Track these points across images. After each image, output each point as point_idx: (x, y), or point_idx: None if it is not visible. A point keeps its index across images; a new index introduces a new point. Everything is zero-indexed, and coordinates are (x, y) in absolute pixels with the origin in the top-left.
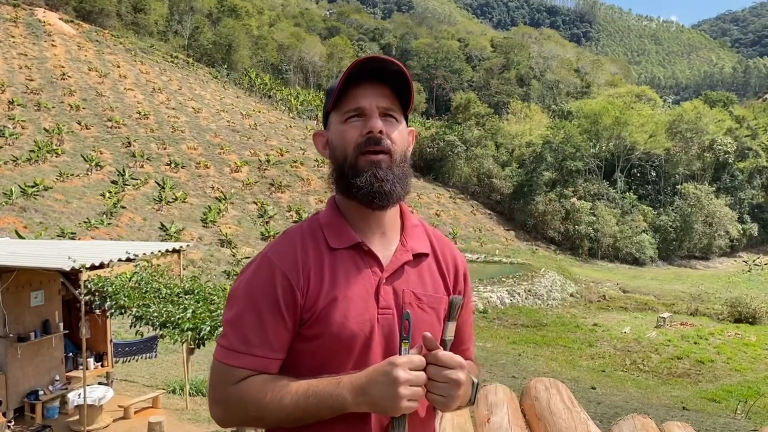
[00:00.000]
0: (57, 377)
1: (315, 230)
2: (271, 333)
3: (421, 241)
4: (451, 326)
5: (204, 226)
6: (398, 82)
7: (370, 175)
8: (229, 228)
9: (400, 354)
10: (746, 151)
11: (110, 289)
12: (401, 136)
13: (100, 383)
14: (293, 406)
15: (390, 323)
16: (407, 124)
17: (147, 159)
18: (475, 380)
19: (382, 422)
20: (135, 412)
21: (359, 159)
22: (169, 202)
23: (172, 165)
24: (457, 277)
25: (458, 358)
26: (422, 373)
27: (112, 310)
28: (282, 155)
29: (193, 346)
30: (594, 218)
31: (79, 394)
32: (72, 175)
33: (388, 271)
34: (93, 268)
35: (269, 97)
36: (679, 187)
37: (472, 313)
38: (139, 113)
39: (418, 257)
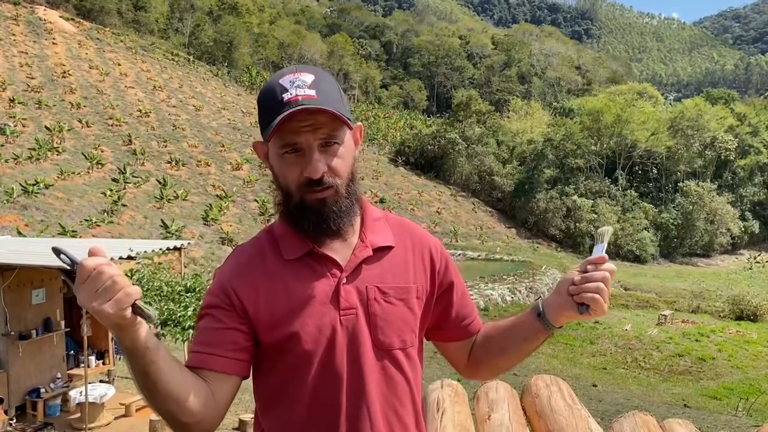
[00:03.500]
0: (58, 375)
1: (268, 243)
2: (220, 333)
3: (382, 234)
4: (599, 249)
5: (205, 224)
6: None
7: (316, 217)
8: (230, 226)
9: None
10: (747, 149)
11: None
12: (344, 161)
13: (101, 381)
14: None
15: (354, 323)
16: (352, 124)
17: (148, 157)
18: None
19: (351, 417)
20: (136, 410)
21: (305, 198)
22: (170, 200)
23: (173, 163)
24: (434, 260)
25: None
26: (98, 274)
27: None
28: None
29: None
30: (595, 216)
31: (81, 392)
32: (73, 173)
33: (347, 270)
34: None
35: None
36: (680, 184)
37: (467, 292)
38: (140, 111)
39: (380, 251)
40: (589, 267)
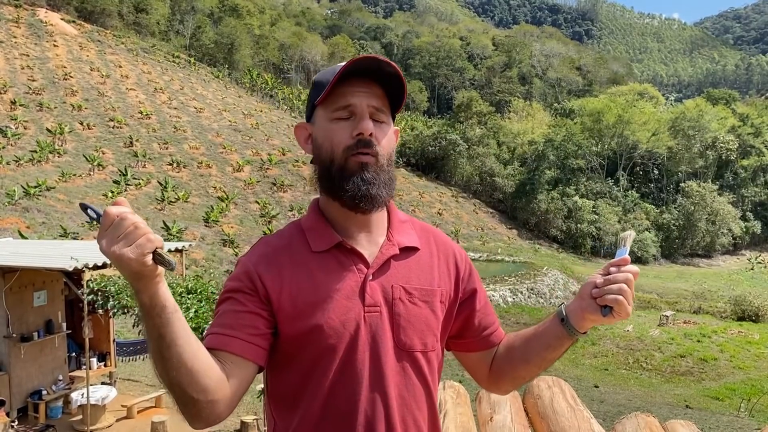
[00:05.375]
0: (60, 377)
1: (295, 235)
2: (241, 316)
3: (408, 235)
4: (622, 252)
5: (206, 226)
6: (391, 83)
7: (358, 178)
8: (232, 228)
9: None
10: (749, 149)
11: (113, 288)
12: (388, 140)
13: (103, 383)
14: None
15: (378, 321)
16: (393, 123)
17: (149, 159)
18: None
19: (368, 417)
20: (138, 412)
21: (348, 161)
22: (171, 201)
23: (174, 165)
24: (459, 267)
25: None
26: (121, 220)
27: (115, 310)
28: (284, 155)
29: None
30: (596, 216)
31: (82, 394)
32: (74, 175)
33: (374, 267)
34: (95, 267)
35: (271, 96)
36: (682, 185)
37: (489, 302)
38: (141, 113)
39: (406, 251)
40: (611, 269)
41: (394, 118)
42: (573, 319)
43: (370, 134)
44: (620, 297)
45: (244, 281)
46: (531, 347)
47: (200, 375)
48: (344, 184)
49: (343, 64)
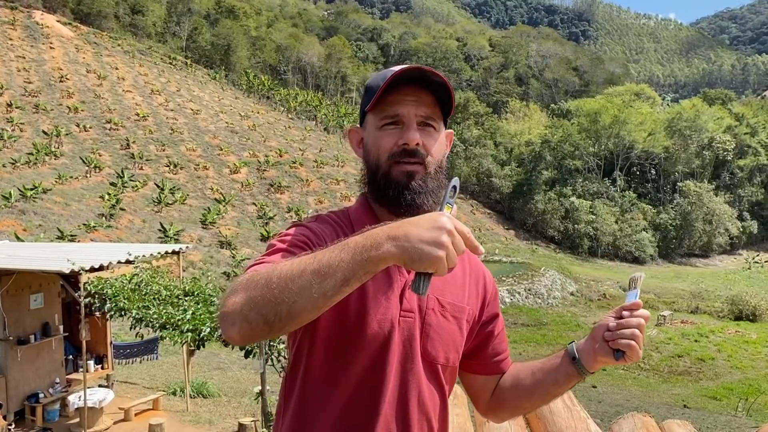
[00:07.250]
0: (57, 380)
1: (344, 222)
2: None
3: None
4: (633, 295)
5: (203, 228)
6: (440, 90)
7: (402, 186)
8: (229, 229)
9: None
10: (746, 149)
11: (110, 291)
12: (439, 146)
13: (100, 385)
14: (310, 260)
15: (410, 327)
16: (446, 127)
17: (146, 161)
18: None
19: (388, 416)
20: (135, 414)
21: (392, 168)
22: (168, 203)
23: (171, 166)
24: (487, 289)
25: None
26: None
27: (112, 312)
28: (281, 156)
29: (193, 348)
30: (593, 217)
31: (80, 397)
32: (71, 177)
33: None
34: (92, 270)
35: (268, 98)
36: (680, 184)
37: (504, 329)
38: (138, 115)
39: None
40: (624, 313)
41: (446, 123)
42: (584, 359)
43: (417, 144)
44: (633, 342)
45: (305, 233)
46: (538, 381)
47: (301, 322)
48: (388, 191)
49: (393, 69)
